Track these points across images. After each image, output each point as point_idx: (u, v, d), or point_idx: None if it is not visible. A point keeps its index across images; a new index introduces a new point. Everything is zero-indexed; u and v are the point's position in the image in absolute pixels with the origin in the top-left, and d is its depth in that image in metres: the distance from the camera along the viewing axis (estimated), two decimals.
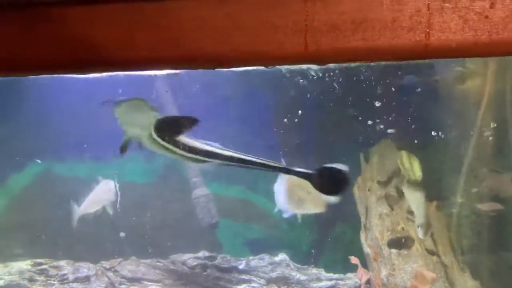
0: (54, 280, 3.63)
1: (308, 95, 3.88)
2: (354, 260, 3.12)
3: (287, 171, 2.56)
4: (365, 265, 3.68)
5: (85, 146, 3.72)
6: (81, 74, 1.83)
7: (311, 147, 4.35)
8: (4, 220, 4.32)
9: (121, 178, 4.44)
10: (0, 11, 1.69)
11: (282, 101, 3.84)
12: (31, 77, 1.94)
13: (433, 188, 3.90)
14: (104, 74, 1.89)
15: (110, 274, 3.79)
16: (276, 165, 2.55)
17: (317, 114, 4.19)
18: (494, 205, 3.84)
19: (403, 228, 3.69)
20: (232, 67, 1.75)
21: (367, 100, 3.68)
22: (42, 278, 3.64)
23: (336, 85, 3.63)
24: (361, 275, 3.13)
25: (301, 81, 3.39)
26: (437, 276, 3.49)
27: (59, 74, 1.87)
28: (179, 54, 1.73)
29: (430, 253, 3.61)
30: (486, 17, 1.68)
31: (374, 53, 1.71)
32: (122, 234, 4.00)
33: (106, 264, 3.88)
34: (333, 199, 2.66)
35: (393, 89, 3.74)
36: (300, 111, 3.98)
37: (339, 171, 2.44)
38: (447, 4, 1.64)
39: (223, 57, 1.70)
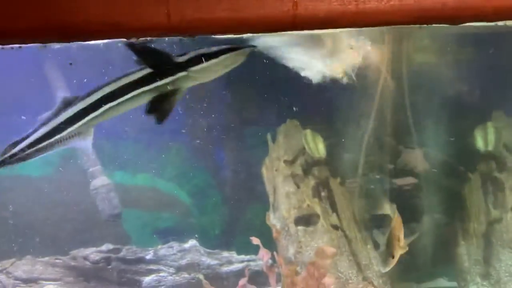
0: None
1: None
2: (255, 240, 3.11)
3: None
4: (274, 244, 3.69)
5: None
6: None
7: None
8: None
9: (12, 172, 4.09)
10: None
11: None
12: None
13: (337, 165, 3.99)
14: None
15: (1, 276, 3.48)
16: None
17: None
18: (409, 180, 4.00)
19: (308, 205, 3.73)
20: (87, 40, 1.59)
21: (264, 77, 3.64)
22: None
23: None
24: (262, 255, 3.12)
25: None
26: (341, 249, 3.58)
27: None
28: (26, 26, 1.55)
29: (335, 228, 3.69)
30: None
31: (241, 25, 1.63)
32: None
33: None
34: None
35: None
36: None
37: None
38: None
39: (76, 29, 1.54)
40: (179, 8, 1.61)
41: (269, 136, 4.12)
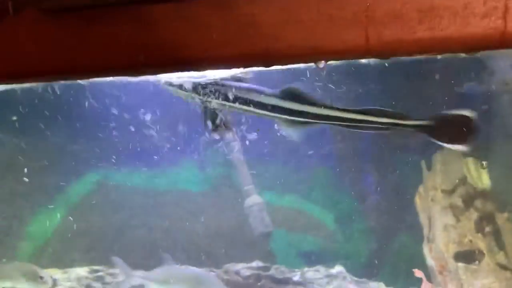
0: (110, 287, 3.67)
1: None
2: (418, 273, 2.91)
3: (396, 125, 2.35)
4: (428, 278, 3.45)
5: (139, 151, 3.76)
6: (135, 76, 1.81)
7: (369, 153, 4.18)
8: (63, 228, 4.45)
9: (176, 186, 4.47)
10: (57, 16, 1.70)
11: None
12: (88, 80, 1.94)
13: (505, 198, 3.60)
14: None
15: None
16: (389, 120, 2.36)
17: None
18: None
19: (470, 241, 3.42)
20: (287, 64, 1.67)
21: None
22: (98, 284, 3.70)
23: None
24: None
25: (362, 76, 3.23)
26: None
27: (115, 76, 1.85)
28: (231, 53, 1.67)
29: (503, 268, 3.31)
30: None
31: (443, 44, 1.57)
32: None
33: None
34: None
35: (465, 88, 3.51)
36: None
37: (463, 116, 2.28)
38: None
39: (278, 54, 1.62)
40: (377, 30, 1.60)
41: (423, 163, 3.89)
